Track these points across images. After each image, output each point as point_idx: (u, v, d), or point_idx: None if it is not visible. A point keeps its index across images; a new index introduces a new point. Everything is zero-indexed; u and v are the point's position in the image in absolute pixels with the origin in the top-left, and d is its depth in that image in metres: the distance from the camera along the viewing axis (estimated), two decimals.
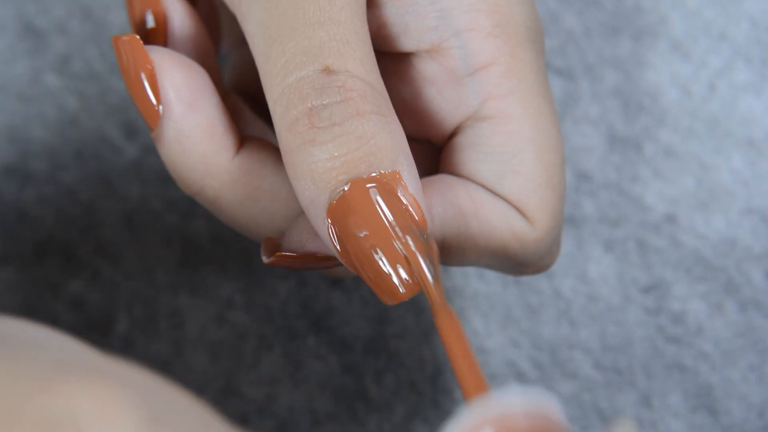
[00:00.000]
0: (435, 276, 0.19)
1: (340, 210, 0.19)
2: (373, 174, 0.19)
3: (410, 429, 0.29)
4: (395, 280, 0.19)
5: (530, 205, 0.22)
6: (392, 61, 0.23)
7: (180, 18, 0.23)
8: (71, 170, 0.31)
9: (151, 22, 0.22)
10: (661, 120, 0.32)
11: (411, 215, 0.19)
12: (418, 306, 0.30)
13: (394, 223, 0.19)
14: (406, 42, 0.22)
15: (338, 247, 0.19)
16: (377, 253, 0.19)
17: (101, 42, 0.32)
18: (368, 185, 0.18)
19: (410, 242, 0.19)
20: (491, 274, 0.31)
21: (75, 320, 0.29)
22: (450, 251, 0.22)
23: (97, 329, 0.30)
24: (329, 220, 0.19)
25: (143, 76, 0.21)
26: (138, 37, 0.21)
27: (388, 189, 0.19)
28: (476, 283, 0.31)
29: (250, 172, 0.22)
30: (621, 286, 0.31)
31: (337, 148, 0.19)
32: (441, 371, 0.30)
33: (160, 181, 0.31)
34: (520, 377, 0.30)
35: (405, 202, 0.19)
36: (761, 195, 0.32)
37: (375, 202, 0.19)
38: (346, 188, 0.18)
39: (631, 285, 0.31)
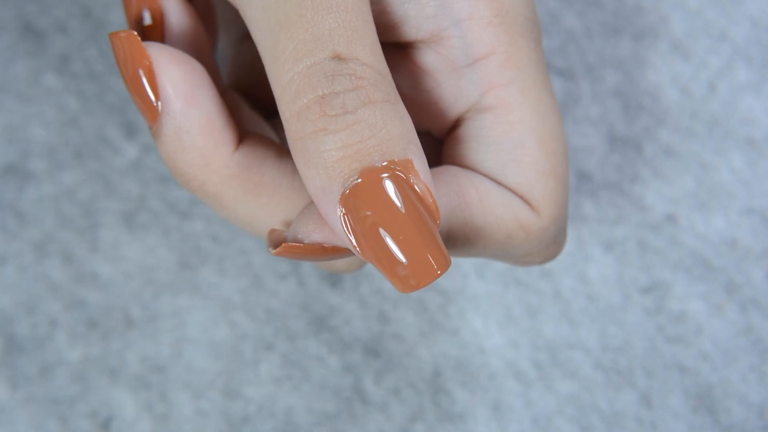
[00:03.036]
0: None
1: (353, 199, 0.18)
2: (386, 162, 0.18)
3: (410, 429, 0.29)
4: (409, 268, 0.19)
5: (534, 194, 0.22)
6: (391, 52, 0.23)
7: (177, 15, 0.23)
8: (71, 170, 0.31)
9: (148, 20, 0.22)
10: (661, 120, 0.32)
11: (425, 203, 0.19)
12: (418, 306, 0.30)
13: (408, 213, 0.19)
14: (406, 31, 0.22)
15: (351, 236, 0.19)
16: (392, 242, 0.19)
17: (101, 42, 0.32)
18: (382, 174, 0.18)
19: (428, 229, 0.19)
20: (491, 274, 0.31)
21: (75, 320, 0.29)
22: (456, 242, 0.22)
23: (97, 329, 0.30)
24: (342, 209, 0.19)
25: (141, 72, 0.21)
26: (135, 33, 0.21)
27: (401, 177, 0.18)
28: (476, 283, 0.31)
29: (251, 167, 0.22)
30: (621, 286, 0.31)
31: (350, 136, 0.18)
32: (440, 371, 0.30)
33: (159, 181, 0.31)
34: (520, 377, 0.30)
35: (418, 189, 0.19)
36: (761, 195, 0.32)
37: (388, 190, 0.18)
38: (358, 177, 0.18)
39: (631, 285, 0.31)
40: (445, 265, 0.19)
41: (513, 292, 0.31)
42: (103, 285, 0.30)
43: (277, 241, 0.21)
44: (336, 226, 0.19)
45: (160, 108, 0.21)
